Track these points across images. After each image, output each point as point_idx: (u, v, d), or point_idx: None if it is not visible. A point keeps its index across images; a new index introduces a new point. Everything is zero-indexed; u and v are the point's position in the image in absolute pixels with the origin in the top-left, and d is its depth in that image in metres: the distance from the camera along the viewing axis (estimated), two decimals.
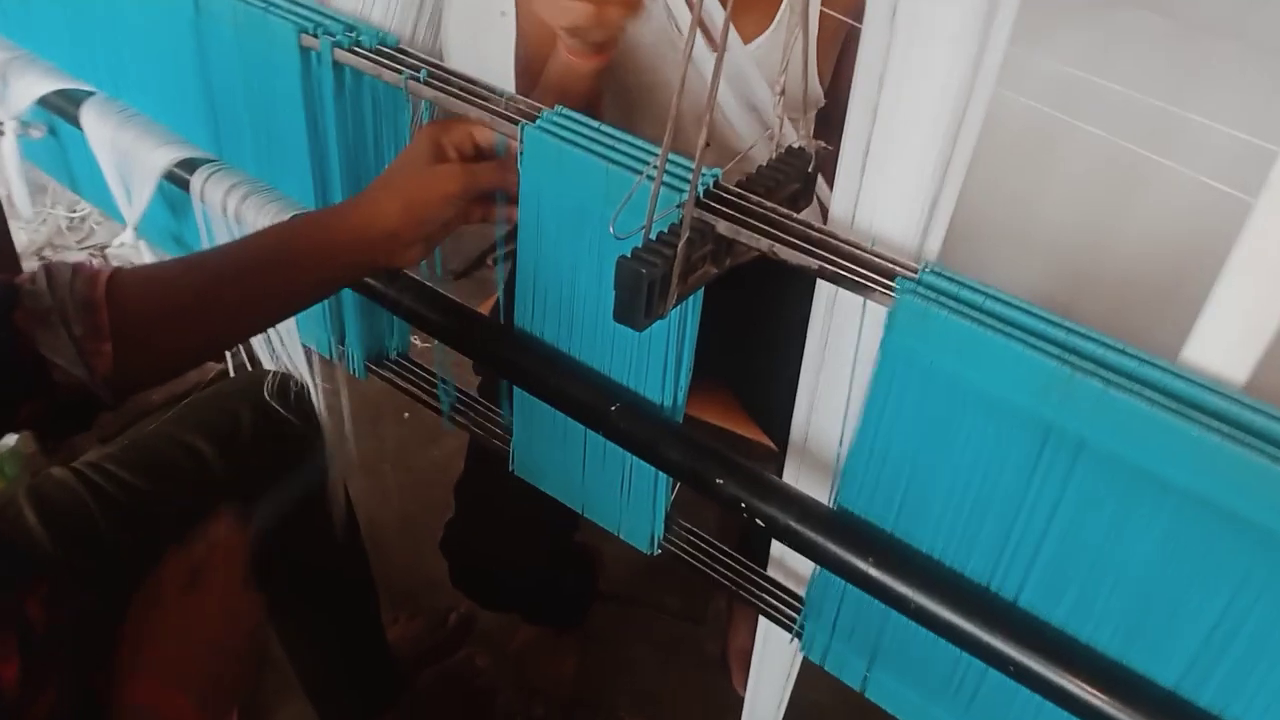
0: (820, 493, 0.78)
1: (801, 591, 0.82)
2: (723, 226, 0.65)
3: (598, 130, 0.73)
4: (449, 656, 1.44)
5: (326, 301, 0.98)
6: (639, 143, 0.72)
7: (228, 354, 1.09)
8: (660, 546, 0.86)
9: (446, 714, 1.33)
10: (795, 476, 0.80)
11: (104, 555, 0.85)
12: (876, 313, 0.66)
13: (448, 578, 1.26)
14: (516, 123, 0.73)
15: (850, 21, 1.06)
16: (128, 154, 1.01)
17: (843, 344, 0.71)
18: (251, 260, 0.72)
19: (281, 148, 0.92)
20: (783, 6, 1.06)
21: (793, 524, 0.67)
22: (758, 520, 0.69)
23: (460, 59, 0.98)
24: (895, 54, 0.60)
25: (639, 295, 0.61)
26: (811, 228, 0.64)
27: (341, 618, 1.18)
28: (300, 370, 1.03)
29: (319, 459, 1.03)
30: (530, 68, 1.06)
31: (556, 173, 0.73)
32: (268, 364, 1.05)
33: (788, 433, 1.19)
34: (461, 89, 0.77)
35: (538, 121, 0.73)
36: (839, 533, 0.67)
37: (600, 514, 0.88)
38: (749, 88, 1.05)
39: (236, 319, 0.72)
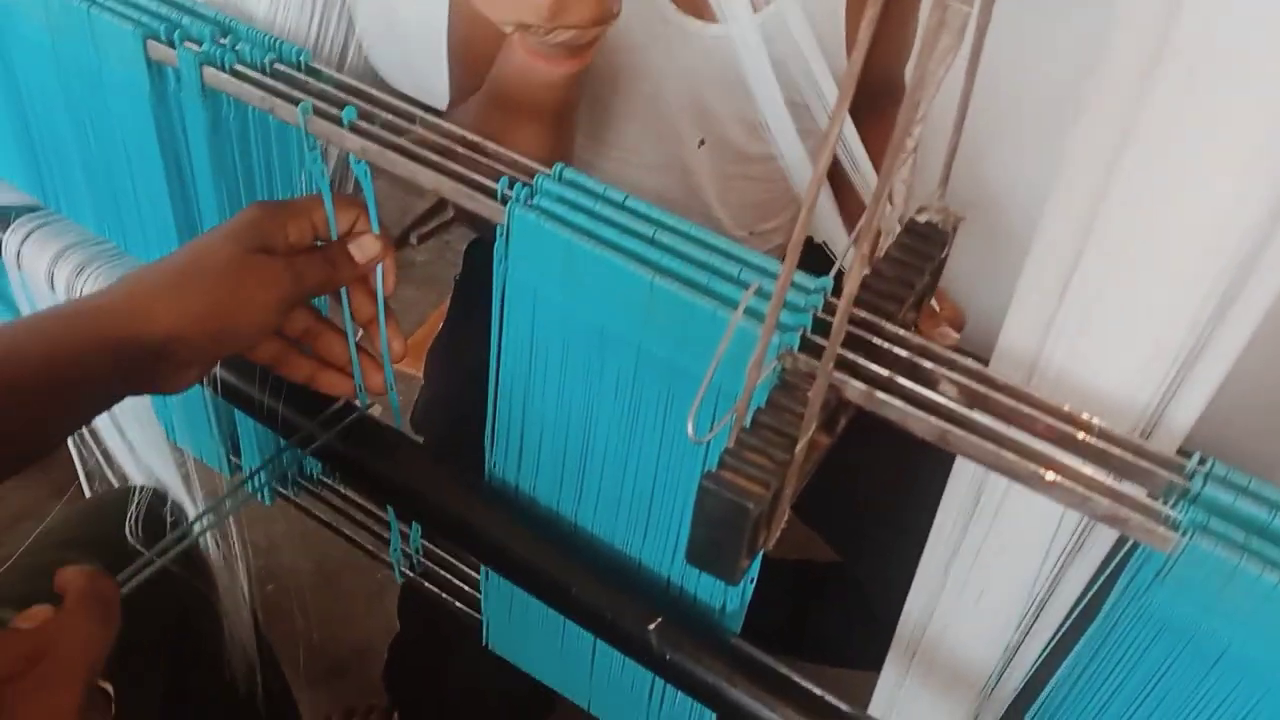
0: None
1: None
2: (854, 392, 0.40)
3: (627, 209, 0.46)
4: None
5: (207, 393, 0.70)
6: (694, 230, 0.46)
7: (80, 470, 0.80)
8: None
9: None
10: (898, 684, 0.56)
11: None
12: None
13: (383, 646, 1.01)
14: (498, 197, 0.46)
15: None
16: None
17: (1015, 532, 0.47)
18: None
19: (132, 196, 0.63)
20: None
21: None
22: None
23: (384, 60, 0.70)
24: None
25: (738, 536, 0.36)
26: (1017, 395, 0.39)
27: None
28: (174, 487, 0.75)
29: (208, 606, 0.76)
30: (471, 62, 0.76)
31: (562, 276, 0.46)
32: (133, 475, 0.77)
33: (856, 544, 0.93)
34: (410, 134, 0.49)
35: (533, 197, 0.46)
36: None
37: (616, 717, 0.63)
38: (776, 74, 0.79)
39: None
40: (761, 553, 0.47)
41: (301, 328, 0.55)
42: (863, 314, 0.43)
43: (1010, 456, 0.37)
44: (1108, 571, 0.42)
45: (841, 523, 1.05)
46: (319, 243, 0.53)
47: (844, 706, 0.47)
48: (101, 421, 0.74)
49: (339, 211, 0.52)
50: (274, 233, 0.50)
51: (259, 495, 0.73)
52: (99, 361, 0.46)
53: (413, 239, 2.03)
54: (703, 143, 0.97)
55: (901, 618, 0.55)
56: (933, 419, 0.38)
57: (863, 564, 1.02)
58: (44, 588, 0.67)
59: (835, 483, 1.01)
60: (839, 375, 0.40)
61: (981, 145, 0.64)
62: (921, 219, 0.50)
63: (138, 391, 0.49)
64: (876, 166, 0.87)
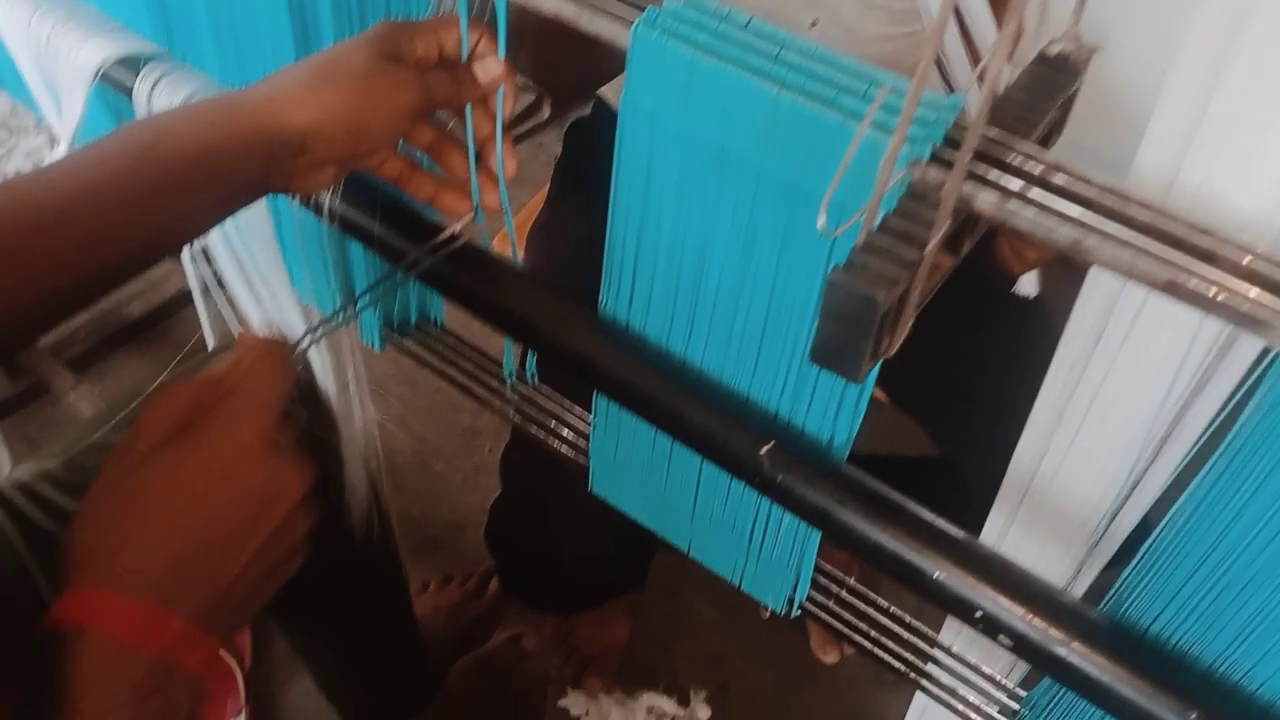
0: (1056, 564, 0.55)
1: (1002, 679, 0.60)
2: (986, 201, 0.40)
3: (750, 30, 0.46)
4: (488, 632, 1.23)
5: (325, 245, 0.72)
6: (819, 49, 0.45)
7: (204, 320, 0.83)
8: (800, 608, 0.63)
9: (489, 716, 1.14)
10: (1003, 532, 0.57)
11: (32, 622, 0.62)
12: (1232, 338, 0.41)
13: (477, 524, 1.04)
14: (625, 21, 0.46)
15: None
16: (48, 47, 0.73)
17: (1140, 366, 0.46)
18: (102, 182, 0.46)
19: (255, 43, 0.64)
20: None
21: (1072, 655, 0.44)
22: (1003, 637, 0.46)
23: None
24: None
25: (866, 331, 0.36)
26: (1153, 209, 0.38)
27: (365, 622, 0.97)
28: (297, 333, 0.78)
29: (330, 447, 0.79)
30: None
31: (683, 97, 0.46)
32: (257, 328, 0.80)
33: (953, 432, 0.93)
34: None
35: (655, 16, 0.46)
36: (1144, 674, 0.44)
37: (715, 559, 0.65)
38: None
39: (74, 272, 0.46)
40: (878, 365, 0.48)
41: (427, 141, 0.57)
42: (994, 133, 0.42)
43: (1147, 262, 0.37)
44: (1240, 393, 0.41)
45: (941, 410, 1.05)
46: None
47: (954, 531, 0.47)
48: (233, 277, 0.78)
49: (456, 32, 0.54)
50: (404, 44, 0.52)
51: (370, 342, 0.76)
52: (246, 154, 0.48)
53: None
54: (815, 23, 0.95)
55: (1011, 464, 0.55)
56: (1066, 227, 0.38)
57: (960, 450, 1.02)
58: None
59: (936, 370, 1.01)
60: (971, 185, 0.39)
61: None
62: (1053, 51, 0.48)
63: (277, 189, 0.51)
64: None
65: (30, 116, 2.01)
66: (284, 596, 0.48)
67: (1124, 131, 0.50)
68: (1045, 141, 0.48)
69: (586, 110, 1.06)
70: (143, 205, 0.47)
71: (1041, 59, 0.48)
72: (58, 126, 0.79)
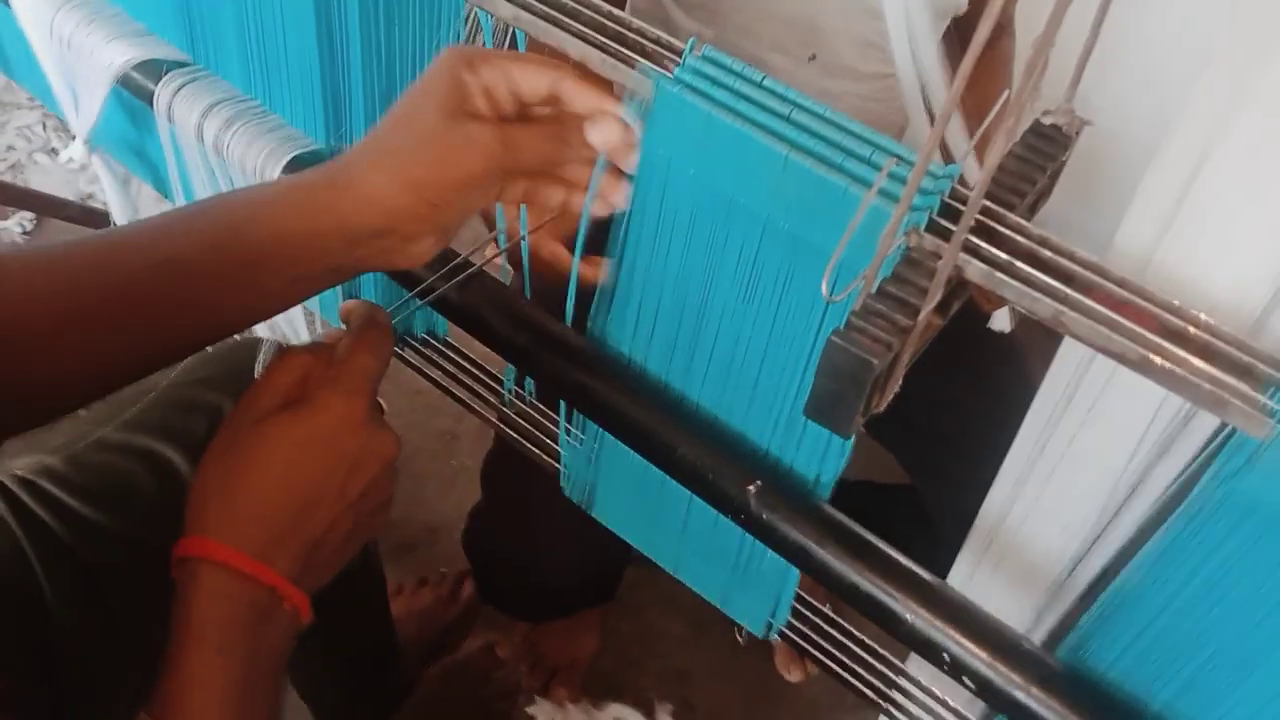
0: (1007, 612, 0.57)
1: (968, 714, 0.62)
2: (976, 271, 0.42)
3: (764, 88, 0.49)
4: (461, 637, 1.25)
5: None
6: (828, 112, 0.48)
7: None
8: (779, 633, 0.66)
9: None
10: (970, 574, 0.59)
11: (36, 623, 0.64)
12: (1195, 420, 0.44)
13: (452, 528, 1.06)
14: (647, 73, 0.49)
15: None
16: (71, 46, 0.75)
17: (1108, 430, 0.49)
18: (188, 254, 0.47)
19: (281, 56, 0.66)
20: None
21: (1031, 700, 0.47)
22: (967, 679, 0.48)
23: None
24: None
25: (859, 391, 0.39)
26: (1130, 287, 0.41)
27: (342, 622, 0.99)
28: (299, 340, 0.80)
29: None
30: None
31: (698, 149, 0.49)
32: (260, 329, 0.82)
33: (924, 465, 0.96)
34: (561, 6, 0.52)
35: (678, 70, 0.49)
36: (1087, 710, 0.47)
37: (700, 581, 0.67)
38: None
39: (153, 339, 0.48)
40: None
41: (517, 198, 0.54)
42: (986, 203, 0.45)
43: (1121, 340, 0.40)
44: (1197, 462, 0.44)
45: (912, 443, 1.08)
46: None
47: (925, 574, 0.50)
48: None
49: (529, 68, 0.49)
50: (470, 88, 0.48)
51: None
52: (327, 245, 0.47)
53: None
54: (813, 58, 0.98)
55: (981, 511, 0.58)
56: (1048, 300, 0.41)
57: (931, 482, 1.06)
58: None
59: (909, 405, 1.04)
60: (962, 256, 0.42)
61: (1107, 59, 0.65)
62: (1046, 121, 0.51)
63: (377, 267, 0.50)
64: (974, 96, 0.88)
65: (23, 93, 2.01)
66: None
67: (1099, 192, 0.53)
68: (1033, 208, 0.51)
69: None
70: (229, 279, 0.47)
71: (1036, 130, 0.51)
72: (74, 123, 0.80)
